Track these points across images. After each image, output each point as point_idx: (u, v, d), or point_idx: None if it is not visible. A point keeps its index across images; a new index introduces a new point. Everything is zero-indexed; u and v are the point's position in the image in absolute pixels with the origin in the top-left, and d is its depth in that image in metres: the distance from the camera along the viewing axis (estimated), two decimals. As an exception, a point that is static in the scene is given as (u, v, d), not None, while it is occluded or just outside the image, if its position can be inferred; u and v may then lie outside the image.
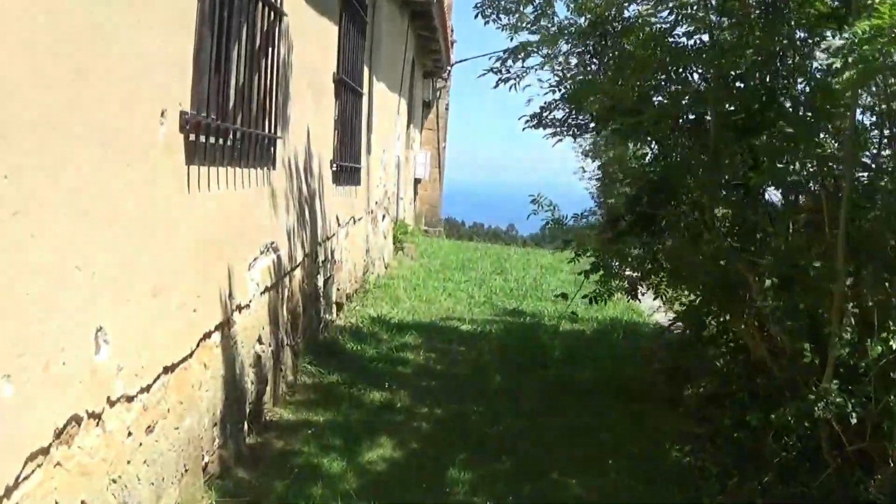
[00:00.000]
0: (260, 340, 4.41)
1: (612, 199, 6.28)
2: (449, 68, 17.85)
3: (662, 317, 8.22)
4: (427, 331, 7.14)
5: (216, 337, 3.65)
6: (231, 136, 3.77)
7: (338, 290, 7.18)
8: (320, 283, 6.28)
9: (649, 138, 5.03)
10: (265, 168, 4.46)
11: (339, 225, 7.08)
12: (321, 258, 6.27)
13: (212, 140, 3.50)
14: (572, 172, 19.60)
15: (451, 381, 5.74)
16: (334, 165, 6.72)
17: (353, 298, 8.02)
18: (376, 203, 9.76)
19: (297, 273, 5.39)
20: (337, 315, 7.20)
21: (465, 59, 18.47)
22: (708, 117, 4.37)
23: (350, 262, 7.82)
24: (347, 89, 7.16)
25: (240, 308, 4.00)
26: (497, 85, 5.17)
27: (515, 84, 5.14)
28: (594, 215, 19.34)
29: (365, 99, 8.28)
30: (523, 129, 5.56)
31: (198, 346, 3.41)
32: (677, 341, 5.89)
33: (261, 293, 4.41)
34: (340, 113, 6.93)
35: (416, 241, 13.44)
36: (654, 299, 6.75)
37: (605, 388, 5.72)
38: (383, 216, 10.53)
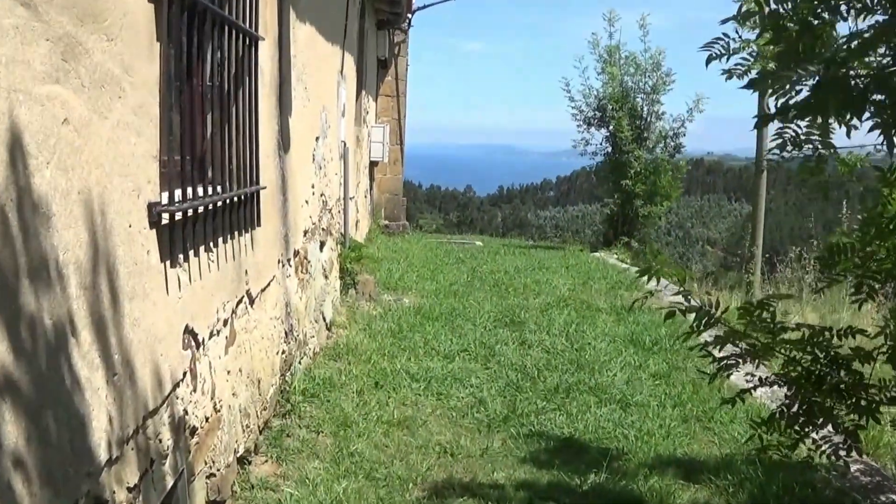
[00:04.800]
0: None
1: None
2: (409, 16, 13.51)
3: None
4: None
5: None
6: None
7: (209, 493, 3.10)
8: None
9: None
10: None
11: (196, 347, 2.97)
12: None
13: None
14: (571, 145, 15.73)
15: None
16: (163, 214, 2.60)
17: (251, 459, 3.93)
18: (306, 233, 5.60)
19: None
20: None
21: (430, 4, 14.10)
22: None
23: (235, 405, 3.70)
24: (205, 20, 3.00)
25: None
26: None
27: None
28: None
29: (267, 49, 4.11)
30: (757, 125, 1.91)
31: None
32: None
33: None
34: (180, 76, 2.79)
35: (375, 258, 9.31)
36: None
37: None
38: (322, 243, 6.38)
